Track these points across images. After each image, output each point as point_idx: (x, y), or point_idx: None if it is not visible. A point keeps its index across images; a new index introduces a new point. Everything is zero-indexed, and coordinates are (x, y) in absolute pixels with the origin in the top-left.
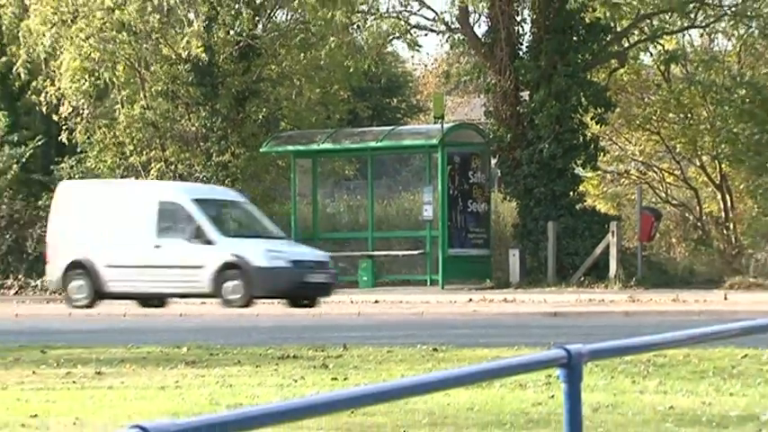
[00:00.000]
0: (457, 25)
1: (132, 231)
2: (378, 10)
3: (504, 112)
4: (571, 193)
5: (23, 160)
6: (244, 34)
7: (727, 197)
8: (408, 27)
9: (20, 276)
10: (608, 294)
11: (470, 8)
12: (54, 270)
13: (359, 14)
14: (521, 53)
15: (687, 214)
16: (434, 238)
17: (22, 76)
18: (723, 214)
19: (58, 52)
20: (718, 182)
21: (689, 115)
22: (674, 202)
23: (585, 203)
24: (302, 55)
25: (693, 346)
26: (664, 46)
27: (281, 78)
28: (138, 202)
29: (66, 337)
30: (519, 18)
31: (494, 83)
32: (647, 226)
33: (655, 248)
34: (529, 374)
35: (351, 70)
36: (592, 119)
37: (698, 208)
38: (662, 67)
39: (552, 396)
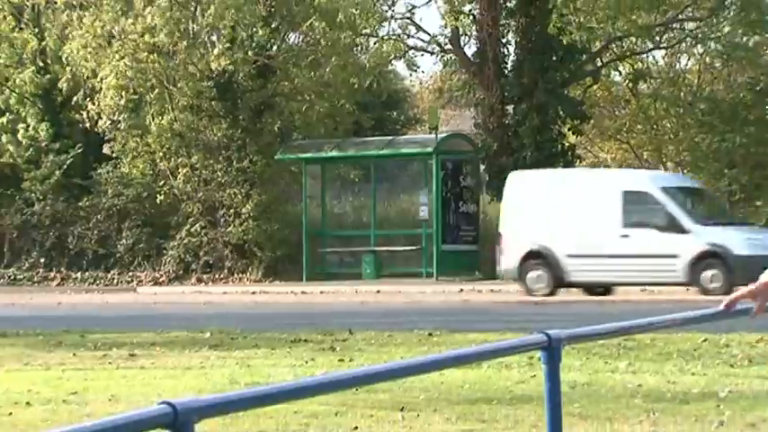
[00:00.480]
0: (449, 46)
1: (595, 221)
2: (379, 33)
3: (491, 124)
4: None
5: (65, 166)
6: (261, 54)
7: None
8: (406, 48)
9: (62, 269)
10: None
11: (461, 31)
12: (509, 260)
13: (362, 37)
14: (506, 71)
15: None
16: (429, 235)
17: (64, 92)
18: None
19: (96, 71)
20: None
21: (655, 126)
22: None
23: None
24: (312, 73)
25: (659, 332)
26: (632, 65)
27: (294, 94)
28: (598, 192)
29: (103, 323)
30: (504, 40)
31: (482, 98)
32: None
33: None
34: (513, 356)
35: (355, 87)
36: (569, 130)
37: None
38: (630, 84)
39: (534, 375)
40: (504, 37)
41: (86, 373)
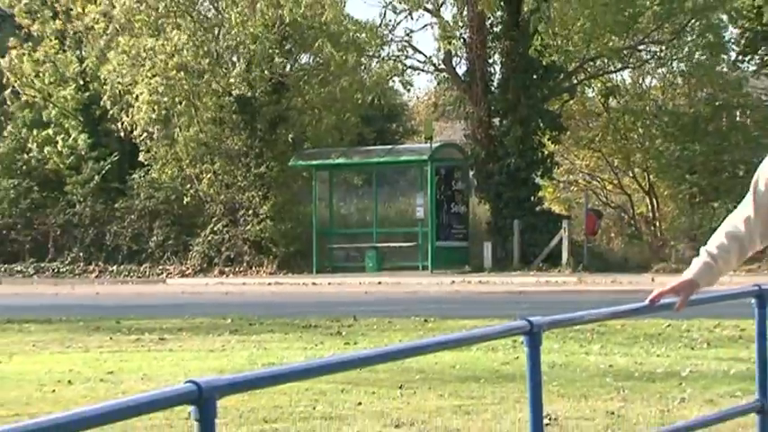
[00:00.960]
0: (442, 66)
1: None
2: (380, 54)
3: (479, 135)
4: (532, 198)
5: (103, 172)
6: (276, 73)
7: (654, 201)
8: (404, 68)
9: (99, 263)
10: (561, 277)
11: (453, 53)
12: None
13: (366, 58)
14: (492, 88)
15: (623, 214)
16: (425, 233)
17: (102, 106)
18: (651, 214)
19: (131, 88)
20: (647, 189)
21: (624, 137)
22: (613, 204)
23: (543, 206)
24: (321, 90)
25: (628, 318)
26: (604, 83)
27: (305, 108)
28: None
29: (136, 311)
30: (491, 61)
31: (471, 111)
32: (591, 223)
33: (597, 241)
34: (499, 340)
35: (359, 102)
36: (548, 140)
37: (631, 209)
38: (602, 99)
39: (517, 357)
40: (490, 58)
41: (121, 355)
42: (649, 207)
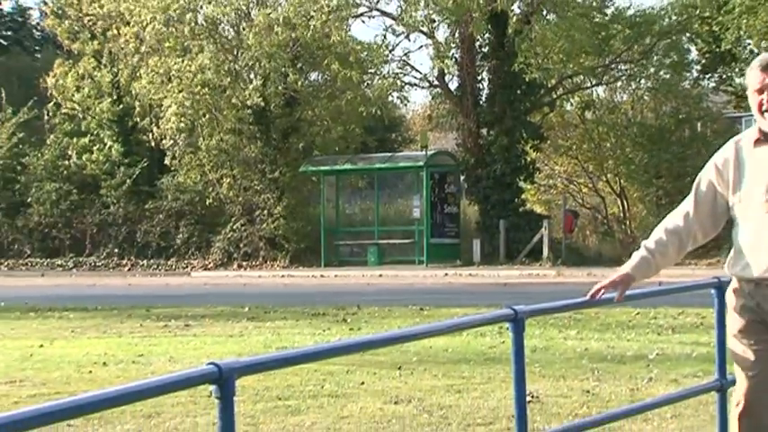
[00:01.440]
0: (436, 83)
1: None
2: (382, 72)
3: (469, 143)
4: (516, 200)
5: (134, 177)
6: (288, 89)
7: (625, 203)
8: (403, 84)
9: (131, 257)
10: (542, 270)
11: (446, 70)
12: None
13: (368, 75)
14: (481, 102)
15: (597, 214)
16: (421, 231)
17: (134, 118)
18: (622, 214)
19: (160, 102)
20: (618, 192)
21: (598, 146)
22: (588, 206)
23: (526, 207)
24: (329, 103)
25: (601, 307)
26: (580, 98)
27: (315, 120)
28: None
29: (164, 300)
30: (480, 78)
31: (462, 123)
32: (569, 223)
33: (574, 239)
34: (486, 327)
35: (363, 114)
36: (530, 148)
37: (604, 210)
38: (579, 112)
39: (503, 341)
40: (479, 75)
41: (150, 340)
42: (620, 208)
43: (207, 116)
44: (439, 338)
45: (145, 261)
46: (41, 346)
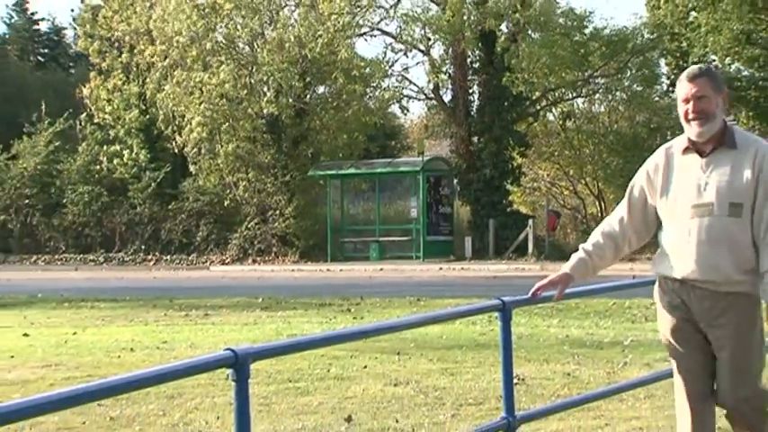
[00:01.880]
0: (432, 95)
1: None
2: (382, 85)
3: (461, 150)
4: (504, 201)
5: (159, 180)
6: (298, 101)
7: (602, 204)
8: (401, 96)
9: (156, 253)
10: (527, 265)
11: (440, 84)
12: None
13: (371, 88)
14: (472, 113)
15: (577, 214)
16: (418, 229)
17: (159, 127)
18: (600, 215)
19: (183, 113)
20: (596, 194)
21: (577, 152)
22: (569, 207)
23: (513, 207)
24: (335, 114)
25: (581, 297)
26: (562, 109)
27: (322, 129)
28: None
29: (186, 292)
30: (471, 91)
31: (455, 131)
32: (551, 222)
33: (556, 236)
34: (477, 316)
35: (366, 124)
36: (517, 154)
37: (584, 210)
38: (560, 122)
39: (492, 329)
40: (470, 88)
41: (173, 328)
42: (598, 208)
43: (225, 125)
44: (434, 326)
45: (168, 256)
46: (75, 333)
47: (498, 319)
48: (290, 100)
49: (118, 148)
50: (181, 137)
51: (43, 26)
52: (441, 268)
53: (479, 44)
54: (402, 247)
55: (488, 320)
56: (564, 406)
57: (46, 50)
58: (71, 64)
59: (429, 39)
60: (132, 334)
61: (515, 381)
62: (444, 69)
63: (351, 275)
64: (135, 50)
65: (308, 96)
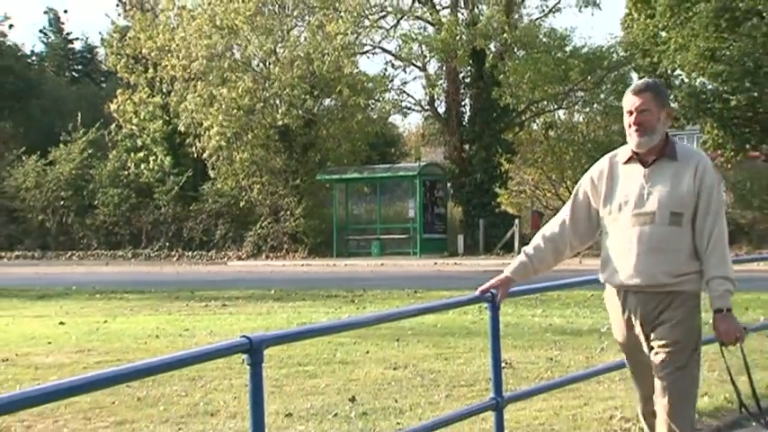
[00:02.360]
0: (427, 107)
1: None
2: (383, 98)
3: (454, 157)
4: (492, 203)
5: (181, 183)
6: (307, 112)
7: None
8: (400, 108)
9: (179, 250)
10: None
11: (435, 97)
12: None
13: (373, 101)
14: (464, 123)
15: None
16: (415, 228)
17: (181, 135)
18: None
19: (202, 123)
20: None
21: (559, 158)
22: (551, 208)
23: (501, 208)
24: (340, 124)
25: (562, 289)
26: (545, 119)
27: (328, 137)
28: None
29: (205, 285)
30: (463, 103)
31: (448, 140)
32: (535, 221)
33: None
34: (469, 306)
35: (368, 133)
36: (504, 160)
37: None
38: (544, 131)
39: (482, 318)
40: (462, 101)
41: (194, 317)
42: None
43: (241, 134)
44: (429, 316)
45: (190, 253)
46: (105, 321)
47: (488, 309)
48: (300, 111)
49: (144, 154)
50: (201, 144)
51: (77, 45)
52: (436, 263)
53: (470, 61)
54: (401, 244)
55: (479, 310)
56: (547, 387)
57: (80, 67)
58: (102, 79)
59: (425, 56)
60: (157, 322)
61: (503, 365)
62: (439, 84)
63: (354, 270)
64: (159, 66)
65: (316, 108)
